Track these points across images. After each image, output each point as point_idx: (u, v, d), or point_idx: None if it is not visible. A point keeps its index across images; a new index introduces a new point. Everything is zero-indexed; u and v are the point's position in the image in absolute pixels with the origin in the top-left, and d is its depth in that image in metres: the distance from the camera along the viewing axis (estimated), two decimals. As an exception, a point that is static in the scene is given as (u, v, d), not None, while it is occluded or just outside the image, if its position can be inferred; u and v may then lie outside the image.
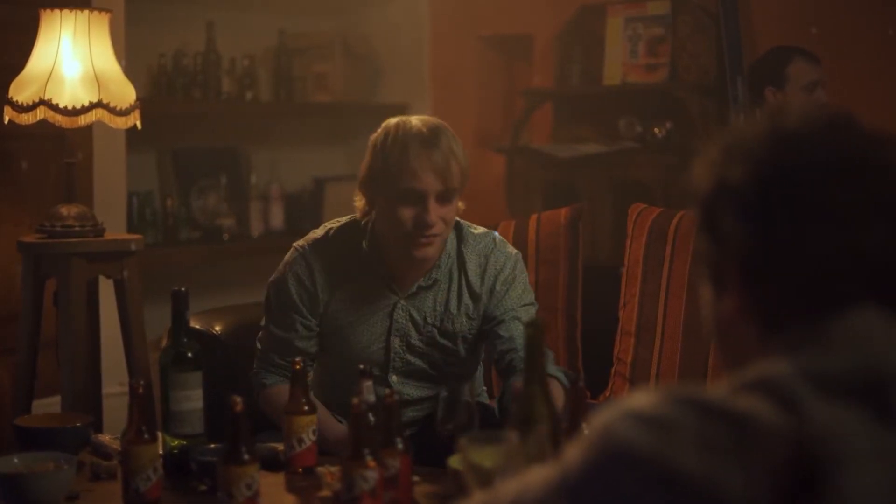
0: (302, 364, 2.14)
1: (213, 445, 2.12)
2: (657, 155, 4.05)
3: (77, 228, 3.00)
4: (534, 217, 3.10)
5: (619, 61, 4.18)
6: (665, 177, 3.99)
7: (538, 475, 1.09)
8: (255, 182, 4.49)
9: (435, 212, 2.32)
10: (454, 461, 1.85)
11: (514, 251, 2.51)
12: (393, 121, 2.39)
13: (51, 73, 2.90)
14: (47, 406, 3.18)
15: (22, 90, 2.92)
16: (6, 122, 2.96)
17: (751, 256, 1.12)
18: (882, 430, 1.03)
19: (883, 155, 1.13)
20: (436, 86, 4.58)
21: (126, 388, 2.16)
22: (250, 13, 4.57)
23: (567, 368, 2.76)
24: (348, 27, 4.75)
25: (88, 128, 3.17)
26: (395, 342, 2.45)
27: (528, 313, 2.46)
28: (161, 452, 2.08)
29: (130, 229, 3.90)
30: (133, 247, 3.10)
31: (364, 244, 2.44)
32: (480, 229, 2.52)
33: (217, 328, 2.76)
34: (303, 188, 4.69)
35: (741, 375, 1.07)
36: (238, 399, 1.77)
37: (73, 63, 2.92)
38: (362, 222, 2.46)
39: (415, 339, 2.46)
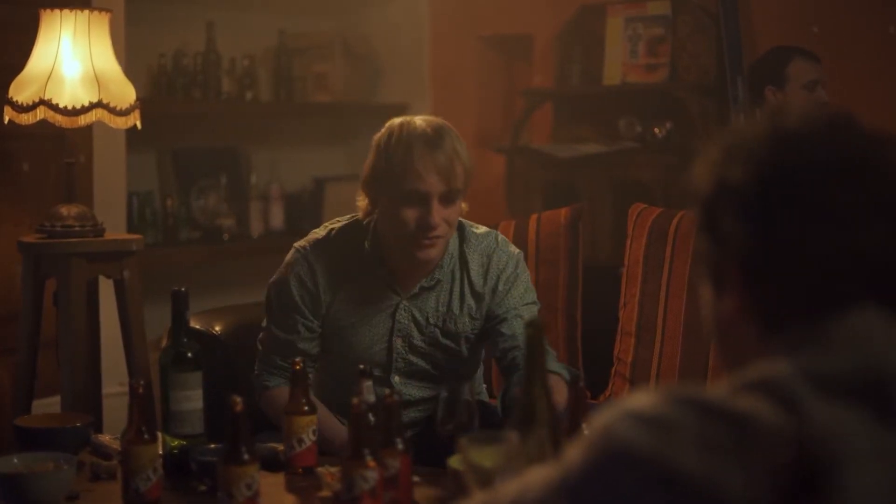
0: (302, 364, 2.13)
1: (213, 445, 2.12)
2: (657, 155, 4.05)
3: (77, 228, 3.00)
4: (534, 217, 3.10)
5: (619, 61, 4.18)
6: (665, 177, 3.99)
7: (538, 475, 1.09)
8: (255, 182, 4.49)
9: (438, 213, 2.31)
10: (454, 461, 1.85)
11: (517, 250, 2.51)
12: (397, 121, 2.38)
13: (51, 73, 2.90)
14: (47, 406, 3.18)
15: (22, 90, 2.92)
16: (6, 122, 2.95)
17: (751, 256, 1.12)
18: (882, 430, 1.03)
19: (883, 155, 1.13)
20: (436, 86, 4.58)
21: (126, 388, 2.16)
22: (250, 13, 4.57)
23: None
24: (348, 27, 4.75)
25: (88, 128, 3.17)
26: (398, 343, 2.45)
27: (531, 312, 2.46)
28: (161, 452, 2.08)
29: (130, 229, 3.90)
30: (133, 247, 3.10)
31: (366, 244, 2.43)
32: (482, 229, 2.52)
33: (217, 328, 2.76)
34: (303, 188, 4.69)
35: (741, 375, 1.07)
36: (238, 399, 1.77)
37: (73, 63, 2.92)
38: (364, 222, 2.45)
39: (417, 340, 2.45)
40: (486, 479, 1.49)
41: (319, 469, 2.09)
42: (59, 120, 2.89)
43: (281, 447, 2.14)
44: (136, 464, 1.92)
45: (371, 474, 1.76)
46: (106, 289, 3.17)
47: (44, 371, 3.12)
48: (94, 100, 2.89)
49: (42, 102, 2.88)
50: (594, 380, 2.82)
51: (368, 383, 2.00)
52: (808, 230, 1.09)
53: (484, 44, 4.55)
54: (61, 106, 2.88)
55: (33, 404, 3.06)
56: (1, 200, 3.46)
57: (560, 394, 1.98)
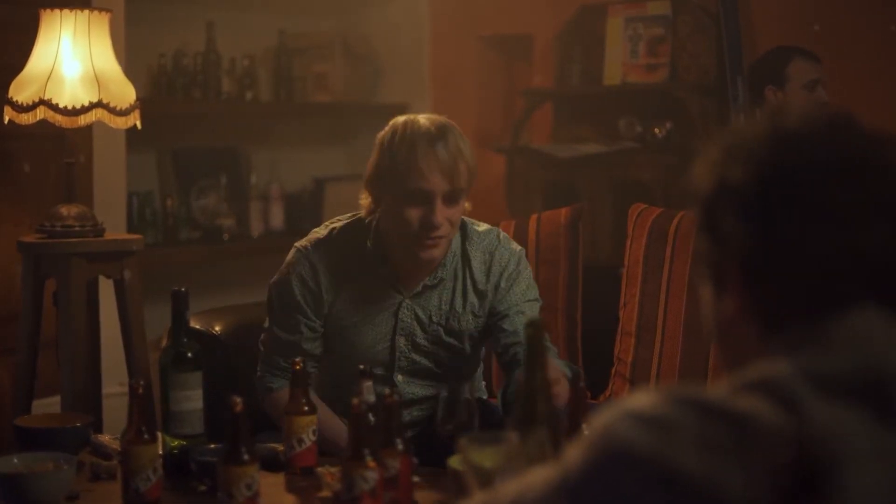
0: (302, 364, 2.13)
1: (212, 445, 2.12)
2: (657, 155, 4.05)
3: (77, 228, 3.00)
4: (534, 217, 3.10)
5: (620, 61, 4.18)
6: (665, 177, 3.99)
7: (538, 476, 1.09)
8: (255, 182, 4.49)
9: (441, 213, 2.30)
10: (454, 461, 1.85)
11: (518, 247, 2.51)
12: (401, 119, 2.37)
13: (51, 73, 2.90)
14: (47, 406, 3.18)
15: (22, 90, 2.92)
16: (6, 122, 2.95)
17: (751, 256, 1.12)
18: (882, 430, 1.03)
19: (883, 155, 1.13)
20: (436, 86, 4.59)
21: (126, 389, 2.16)
22: (250, 13, 4.57)
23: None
24: (348, 27, 4.75)
25: (88, 128, 3.17)
26: (401, 342, 2.44)
27: (532, 309, 2.46)
28: (161, 453, 2.08)
29: (130, 229, 3.90)
30: (133, 247, 3.10)
31: (368, 243, 2.42)
32: (484, 226, 2.51)
33: (217, 328, 2.76)
34: (303, 188, 4.69)
35: (741, 375, 1.07)
36: (238, 399, 1.77)
37: (73, 63, 2.92)
38: (366, 220, 2.45)
39: (420, 339, 2.45)
40: (486, 479, 1.48)
41: (319, 469, 2.09)
42: (59, 120, 2.89)
43: (281, 447, 2.14)
44: (136, 464, 1.92)
45: (371, 475, 1.76)
46: (106, 289, 3.16)
47: (44, 371, 3.12)
48: (94, 100, 2.89)
49: (42, 102, 2.88)
50: (594, 380, 2.82)
51: (368, 383, 2.00)
52: (808, 230, 1.09)
53: (484, 44, 4.55)
54: (61, 106, 2.88)
55: (33, 404, 3.06)
56: (1, 200, 3.46)
57: (562, 386, 1.96)
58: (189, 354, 2.18)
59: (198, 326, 2.70)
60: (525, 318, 2.42)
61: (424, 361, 2.46)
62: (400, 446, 1.85)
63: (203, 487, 2.05)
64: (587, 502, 1.03)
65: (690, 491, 0.98)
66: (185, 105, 4.29)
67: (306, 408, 2.11)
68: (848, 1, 3.78)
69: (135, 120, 2.99)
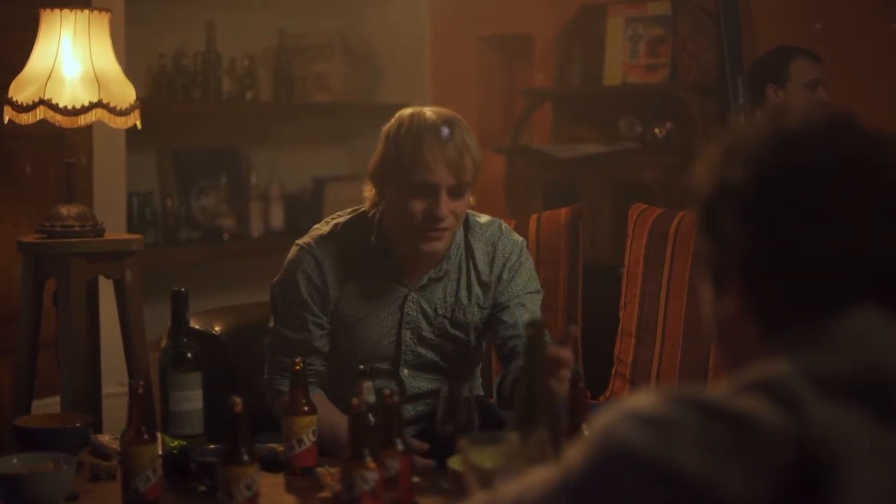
0: (302, 365, 2.13)
1: (212, 446, 2.12)
2: (657, 155, 4.05)
3: (77, 228, 3.00)
4: (534, 217, 3.10)
5: (620, 61, 4.18)
6: (665, 177, 3.99)
7: (539, 476, 1.09)
8: (255, 182, 4.49)
9: (446, 206, 2.29)
10: (454, 462, 1.84)
11: (520, 238, 2.51)
12: (407, 111, 2.37)
13: (51, 73, 2.90)
14: (47, 406, 3.17)
15: (22, 90, 2.92)
16: (6, 122, 2.95)
17: (751, 256, 1.12)
18: (882, 430, 1.03)
19: (883, 155, 1.13)
20: (436, 86, 4.59)
21: (126, 389, 2.16)
22: (250, 13, 4.57)
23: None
24: (348, 27, 4.75)
25: (88, 128, 3.17)
26: (407, 335, 2.44)
27: (533, 301, 2.46)
28: (161, 453, 2.07)
29: (130, 229, 3.90)
30: (133, 247, 3.09)
31: (372, 237, 2.41)
32: (485, 218, 2.51)
33: (217, 328, 2.76)
34: (303, 188, 4.69)
35: (742, 376, 1.07)
36: (237, 399, 1.77)
37: (73, 63, 2.92)
38: (370, 214, 2.44)
39: (426, 332, 2.44)
40: (486, 479, 1.48)
41: (319, 470, 2.09)
42: (59, 120, 2.89)
43: (281, 447, 2.14)
44: (136, 464, 1.92)
45: (371, 475, 1.76)
46: (106, 289, 3.16)
47: (44, 371, 3.12)
48: (94, 100, 2.89)
49: (42, 102, 2.88)
50: (594, 380, 2.82)
51: (368, 384, 2.00)
52: (808, 230, 1.09)
53: (484, 44, 4.56)
54: (61, 106, 2.88)
55: (33, 404, 3.06)
56: (1, 200, 3.46)
57: (568, 363, 1.94)
58: (189, 354, 2.17)
59: (198, 326, 2.70)
60: (526, 310, 2.43)
61: (430, 355, 2.46)
62: (400, 446, 1.85)
63: (203, 488, 2.05)
64: (588, 502, 1.03)
65: (691, 491, 0.98)
66: (185, 105, 4.29)
67: (306, 408, 2.11)
68: (847, 0, 3.78)
69: (135, 120, 2.99)
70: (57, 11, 2.93)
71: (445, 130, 2.30)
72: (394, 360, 2.44)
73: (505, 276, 2.45)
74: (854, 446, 1.01)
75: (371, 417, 1.86)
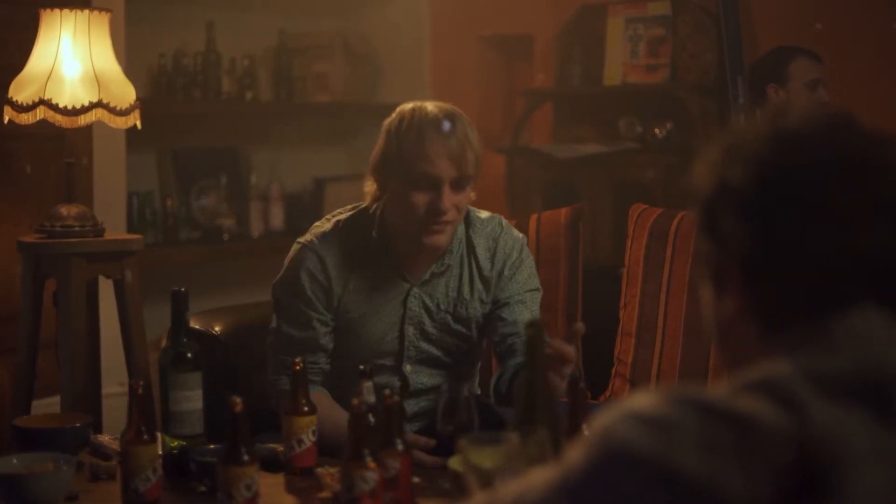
0: (302, 365, 2.13)
1: (212, 446, 2.12)
2: (657, 155, 4.05)
3: (77, 228, 3.00)
4: (534, 217, 3.10)
5: (620, 61, 4.18)
6: (665, 177, 3.99)
7: (539, 476, 1.09)
8: (255, 182, 4.49)
9: (449, 199, 2.29)
10: (454, 462, 1.84)
11: (521, 235, 2.51)
12: (408, 105, 2.36)
13: (51, 73, 2.90)
14: (47, 406, 3.17)
15: (22, 90, 2.92)
16: (6, 122, 2.95)
17: (751, 256, 1.12)
18: (883, 430, 1.03)
19: (883, 155, 1.13)
20: (436, 86, 4.59)
21: (126, 389, 2.16)
22: (250, 13, 4.57)
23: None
24: (348, 27, 4.75)
25: (88, 128, 3.17)
26: (409, 330, 2.43)
27: (533, 299, 2.47)
28: (160, 453, 2.07)
29: (130, 229, 3.90)
30: (133, 247, 3.09)
31: (374, 233, 2.41)
32: (485, 213, 2.51)
33: (217, 328, 2.76)
34: (303, 188, 4.69)
35: (742, 376, 1.07)
36: (237, 399, 1.77)
37: (73, 63, 2.92)
38: (371, 210, 2.44)
39: (429, 327, 2.44)
40: (486, 479, 1.48)
41: (319, 470, 2.09)
42: (59, 120, 2.89)
43: (281, 447, 2.14)
44: (136, 464, 1.92)
45: (371, 475, 1.76)
46: (106, 289, 3.16)
47: (44, 371, 3.12)
48: (94, 100, 2.89)
49: (42, 102, 2.88)
50: (594, 380, 2.82)
51: (369, 384, 2.00)
52: (808, 230, 1.09)
53: (484, 44, 4.56)
54: (61, 106, 2.88)
55: (33, 404, 3.06)
56: (1, 200, 3.46)
57: (570, 361, 1.97)
58: (189, 355, 2.17)
59: (198, 326, 2.70)
60: (525, 308, 2.43)
61: (433, 350, 2.45)
62: (400, 446, 1.85)
63: (203, 488, 2.05)
64: (588, 502, 1.02)
65: (691, 491, 0.98)
66: (185, 105, 4.29)
67: (306, 408, 2.11)
68: (847, 0, 3.78)
69: (135, 120, 2.99)
70: (57, 11, 2.93)
71: (447, 124, 2.30)
72: (397, 356, 2.44)
73: (506, 272, 2.45)
74: (854, 446, 1.01)
75: (371, 417, 1.86)
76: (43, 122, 2.90)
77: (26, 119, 2.90)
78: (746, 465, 0.99)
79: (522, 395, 1.55)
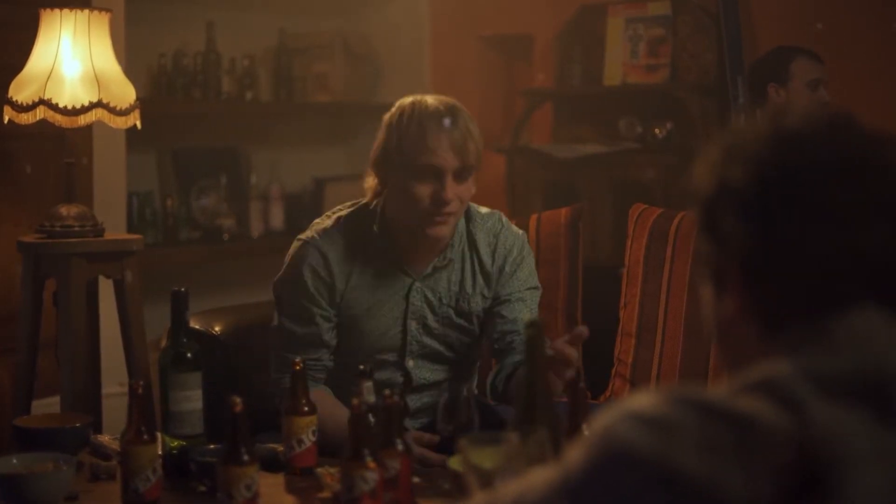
0: (302, 364, 2.12)
1: (212, 446, 2.12)
2: (657, 155, 4.05)
3: (77, 228, 3.00)
4: (534, 217, 3.10)
5: (620, 61, 4.18)
6: (665, 177, 3.99)
7: (539, 476, 1.09)
8: (255, 182, 4.49)
9: (452, 189, 2.29)
10: (454, 462, 1.84)
11: (521, 231, 2.51)
12: (408, 99, 2.36)
13: (51, 73, 2.90)
14: (47, 406, 3.17)
15: (22, 90, 2.92)
16: (6, 121, 2.95)
17: (751, 256, 1.12)
18: (883, 430, 1.03)
19: (883, 155, 1.13)
20: (436, 86, 4.58)
21: (126, 389, 2.16)
22: (250, 13, 4.57)
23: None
24: (348, 27, 4.75)
25: (88, 128, 3.17)
26: (412, 325, 2.43)
27: (533, 297, 2.47)
28: (160, 453, 2.07)
29: (130, 229, 3.90)
30: (133, 247, 3.09)
31: (375, 228, 2.40)
32: (485, 209, 2.51)
33: (217, 328, 2.76)
34: (303, 188, 4.69)
35: (742, 376, 1.07)
36: (237, 399, 1.77)
37: (73, 63, 2.92)
38: (371, 205, 2.43)
39: (431, 321, 2.44)
40: (486, 479, 1.48)
41: (319, 470, 2.09)
42: (59, 120, 2.89)
43: (281, 447, 2.14)
44: (136, 464, 1.92)
45: (371, 475, 1.76)
46: (106, 289, 3.16)
47: (44, 371, 3.12)
48: (94, 100, 2.89)
49: (42, 102, 2.87)
50: (594, 380, 2.82)
51: (369, 384, 2.00)
52: (808, 230, 1.09)
53: (484, 44, 4.56)
54: (61, 106, 2.88)
55: (33, 404, 3.06)
56: (1, 200, 3.46)
57: (572, 364, 1.97)
58: (189, 355, 2.17)
59: (197, 326, 2.70)
60: (525, 305, 2.43)
61: (435, 344, 2.45)
62: (400, 446, 1.85)
63: (203, 488, 2.05)
64: (588, 503, 1.02)
65: (691, 491, 0.98)
66: (185, 105, 4.29)
67: (306, 408, 2.11)
68: (847, 0, 3.78)
69: (135, 120, 2.99)
70: (57, 11, 2.93)
71: (448, 116, 2.31)
72: (399, 351, 2.44)
73: (507, 268, 2.45)
74: (854, 446, 1.01)
75: (371, 417, 1.86)
76: (43, 122, 2.90)
77: (26, 119, 2.90)
78: (746, 465, 0.99)
79: (522, 395, 1.55)
